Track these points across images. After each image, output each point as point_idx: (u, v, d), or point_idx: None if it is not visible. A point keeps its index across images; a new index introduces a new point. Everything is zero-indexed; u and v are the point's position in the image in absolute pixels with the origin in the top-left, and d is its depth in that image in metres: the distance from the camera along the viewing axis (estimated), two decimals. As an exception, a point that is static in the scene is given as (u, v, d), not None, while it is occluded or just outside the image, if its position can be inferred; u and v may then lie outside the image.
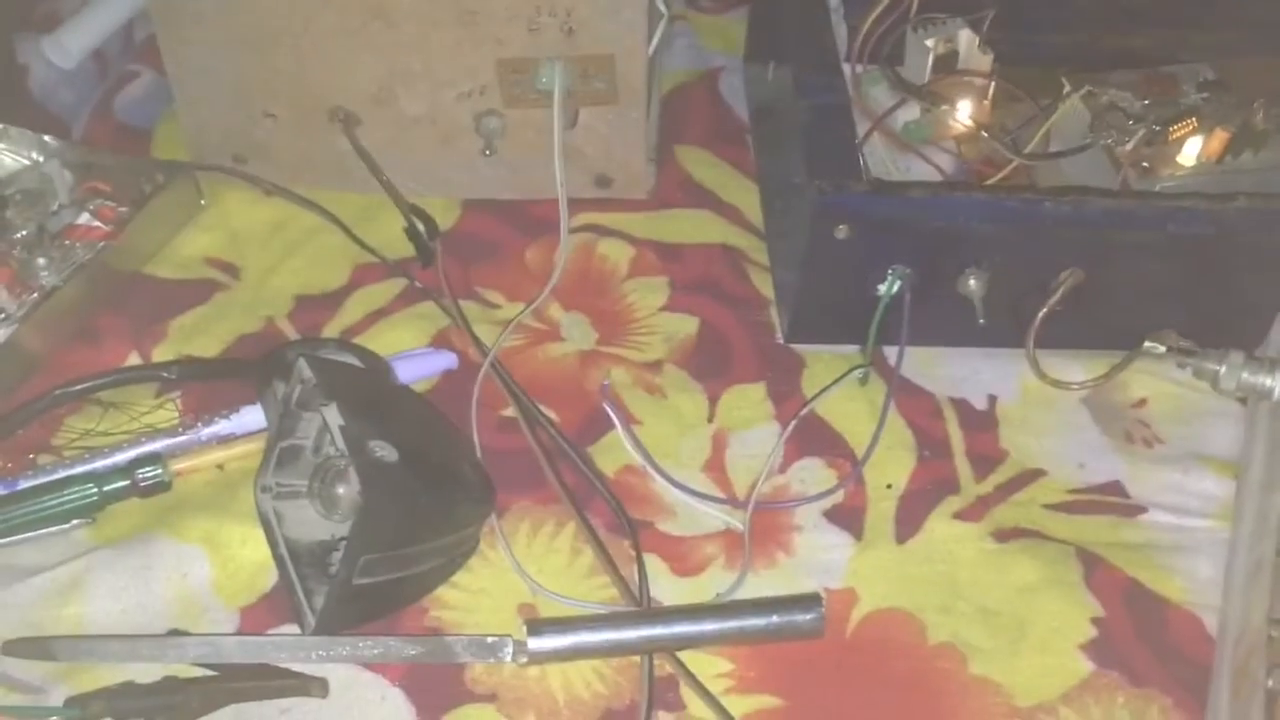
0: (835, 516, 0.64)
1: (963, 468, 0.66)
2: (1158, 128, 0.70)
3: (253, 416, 0.64)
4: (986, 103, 0.76)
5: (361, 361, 0.64)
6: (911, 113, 0.77)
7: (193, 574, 0.59)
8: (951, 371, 0.70)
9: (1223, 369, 0.65)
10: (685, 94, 0.87)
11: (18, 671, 0.55)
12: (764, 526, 0.63)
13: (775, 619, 0.57)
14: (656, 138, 0.81)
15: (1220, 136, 0.69)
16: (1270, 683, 0.54)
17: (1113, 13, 0.80)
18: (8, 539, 0.59)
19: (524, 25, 0.70)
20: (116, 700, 0.53)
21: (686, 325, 0.72)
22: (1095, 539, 0.63)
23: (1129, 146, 0.70)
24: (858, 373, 0.68)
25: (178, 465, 0.62)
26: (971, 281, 0.67)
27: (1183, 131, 0.70)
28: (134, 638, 0.56)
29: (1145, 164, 0.70)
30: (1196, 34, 0.79)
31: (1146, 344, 0.66)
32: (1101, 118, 0.71)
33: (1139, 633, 0.59)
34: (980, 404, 0.69)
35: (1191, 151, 0.69)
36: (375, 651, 0.55)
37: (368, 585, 0.55)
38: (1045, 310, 0.66)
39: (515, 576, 0.60)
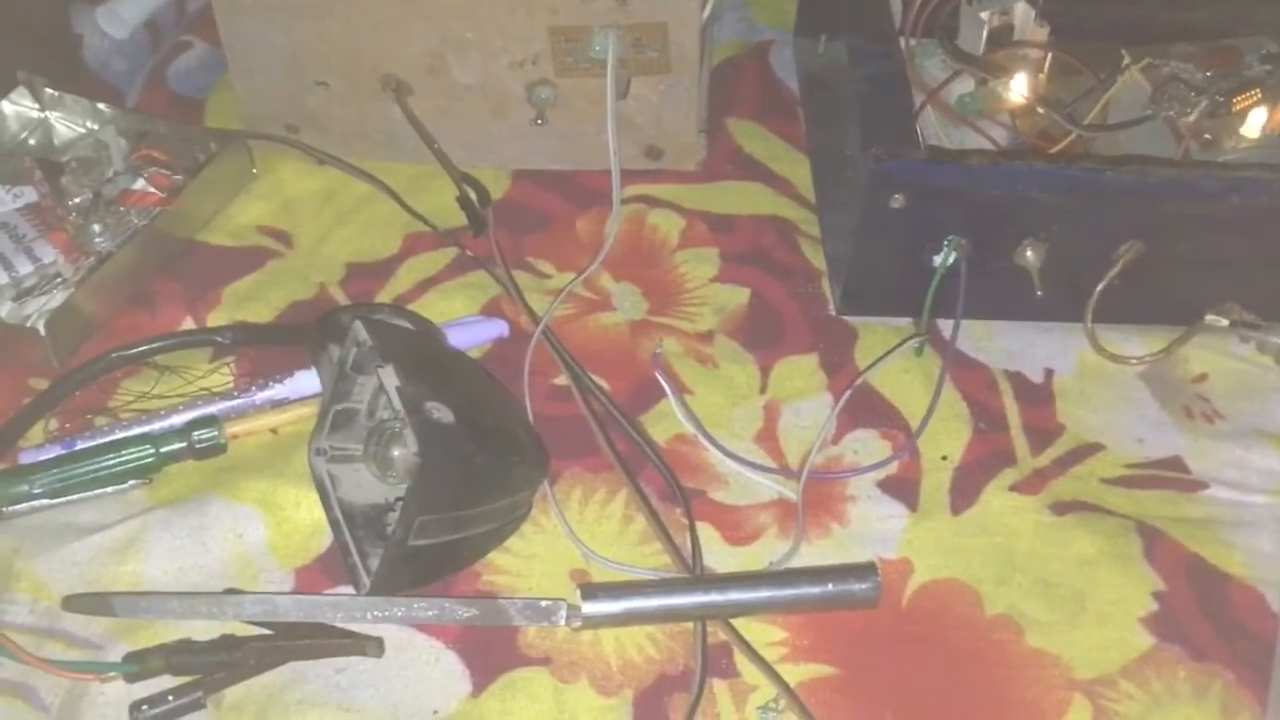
0: (889, 487, 0.63)
1: (1019, 441, 0.65)
2: (1221, 99, 0.69)
3: (306, 381, 0.64)
4: (1043, 75, 0.75)
5: (415, 327, 0.64)
6: (966, 85, 0.76)
7: (248, 535, 0.59)
8: (1007, 344, 0.69)
9: (1288, 342, 0.64)
10: (736, 67, 0.86)
11: (76, 627, 0.56)
12: (817, 496, 0.63)
13: (831, 587, 0.57)
14: (707, 110, 0.81)
15: (1286, 108, 0.68)
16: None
17: (1172, -15, 0.79)
18: (66, 498, 0.60)
19: (577, -7, 0.69)
20: (174, 656, 0.54)
21: (737, 296, 0.72)
22: (1155, 513, 0.62)
23: (1191, 118, 0.69)
24: (913, 343, 0.68)
25: (232, 428, 0.63)
26: (1029, 253, 0.66)
27: (1247, 103, 0.69)
28: (192, 595, 0.56)
29: (1208, 136, 0.69)
30: (1257, 8, 0.78)
31: (1209, 317, 0.66)
32: (1163, 89, 0.70)
33: (1200, 607, 0.59)
34: (1036, 377, 0.68)
35: (1256, 123, 0.68)
36: (430, 613, 0.55)
37: (423, 547, 0.55)
38: (1104, 283, 0.66)
39: (568, 542, 0.60)
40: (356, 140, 0.77)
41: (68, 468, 0.60)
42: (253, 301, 0.70)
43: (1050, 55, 0.74)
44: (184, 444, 0.61)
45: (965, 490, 0.63)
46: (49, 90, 0.77)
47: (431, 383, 0.56)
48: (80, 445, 0.61)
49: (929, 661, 0.57)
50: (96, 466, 0.60)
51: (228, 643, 0.54)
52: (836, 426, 0.66)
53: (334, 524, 0.59)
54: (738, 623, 0.57)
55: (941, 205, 0.64)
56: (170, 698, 0.53)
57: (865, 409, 0.66)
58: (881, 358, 0.68)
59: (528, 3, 0.70)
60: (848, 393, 0.66)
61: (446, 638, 0.57)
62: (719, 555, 0.60)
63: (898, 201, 0.64)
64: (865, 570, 0.57)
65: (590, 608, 0.55)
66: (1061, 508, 0.62)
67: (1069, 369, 0.69)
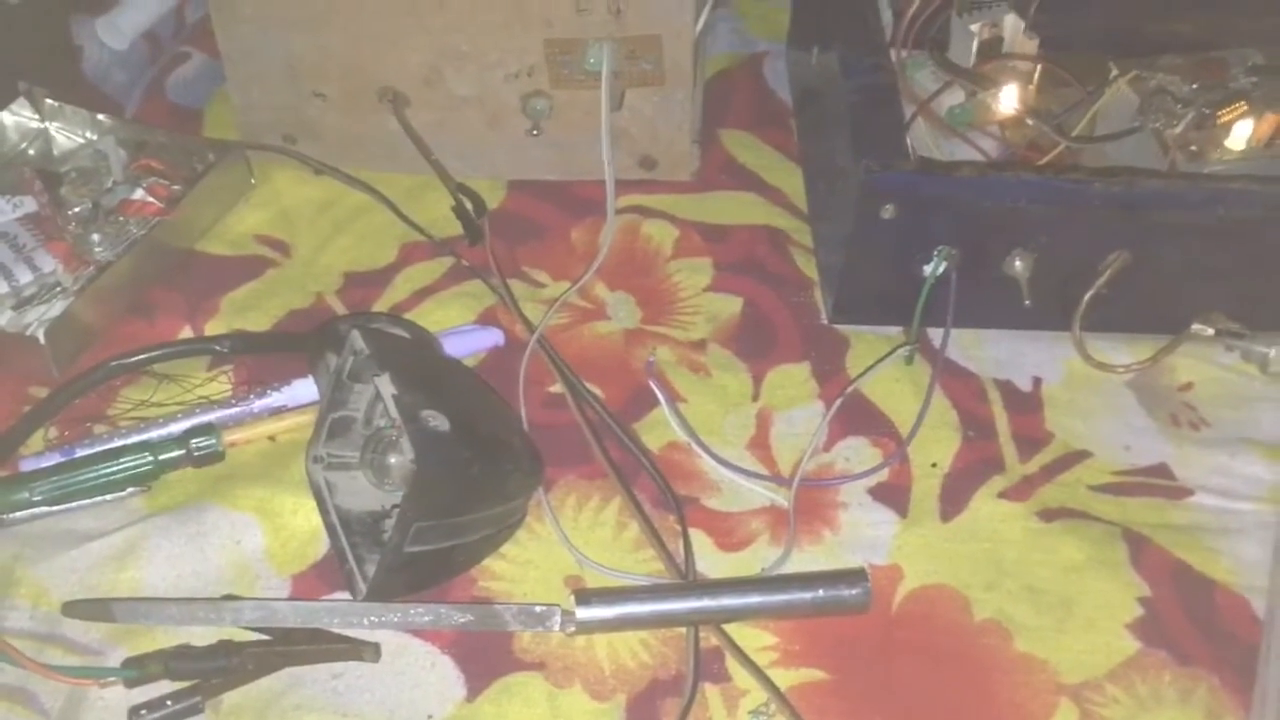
0: (880, 494, 0.64)
1: (1008, 448, 0.66)
2: (1207, 111, 0.70)
3: (304, 389, 0.65)
4: (1032, 87, 0.76)
5: (412, 335, 0.65)
6: (956, 97, 0.77)
7: (246, 542, 0.60)
8: (996, 353, 0.70)
9: (1272, 352, 0.65)
10: (729, 78, 0.87)
11: (76, 633, 0.56)
12: (809, 503, 0.63)
13: (821, 593, 0.57)
14: (701, 121, 0.82)
15: (1270, 120, 0.69)
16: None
17: (1159, -2, 0.80)
18: (66, 505, 0.60)
19: (572, 6, 0.70)
20: (173, 662, 0.54)
21: (730, 305, 0.73)
22: (1142, 520, 0.63)
23: (1178, 130, 0.70)
24: (903, 351, 0.69)
25: (230, 436, 0.63)
26: (1018, 263, 0.67)
27: (1232, 115, 0.70)
28: (190, 601, 0.57)
29: (1194, 147, 0.70)
30: (1243, 19, 0.79)
31: (1195, 326, 0.66)
32: (1149, 101, 0.71)
33: (1186, 613, 0.59)
34: (1025, 386, 0.69)
35: (1241, 135, 0.69)
36: (426, 618, 0.56)
37: (419, 553, 0.55)
38: (1092, 292, 0.67)
39: (562, 549, 0.61)
40: (353, 150, 0.78)
41: (67, 475, 0.60)
42: (250, 310, 0.71)
43: (1039, 67, 0.75)
44: (182, 452, 0.62)
45: (954, 497, 0.64)
46: (49, 101, 0.78)
47: (428, 391, 0.57)
48: (80, 453, 0.62)
49: (918, 666, 0.57)
50: (96, 474, 0.61)
51: (226, 648, 0.55)
52: (828, 434, 0.66)
53: (331, 530, 0.59)
54: (730, 628, 0.58)
55: (932, 215, 0.65)
56: (169, 702, 0.53)
57: (856, 417, 0.67)
58: (872, 366, 0.69)
59: (523, 16, 0.71)
60: (839, 401, 0.67)
61: (442, 643, 0.57)
62: (711, 561, 0.61)
63: (888, 212, 0.65)
64: (855, 576, 0.58)
65: (584, 613, 0.56)
66: (1049, 514, 0.63)
67: (1057, 377, 0.69)
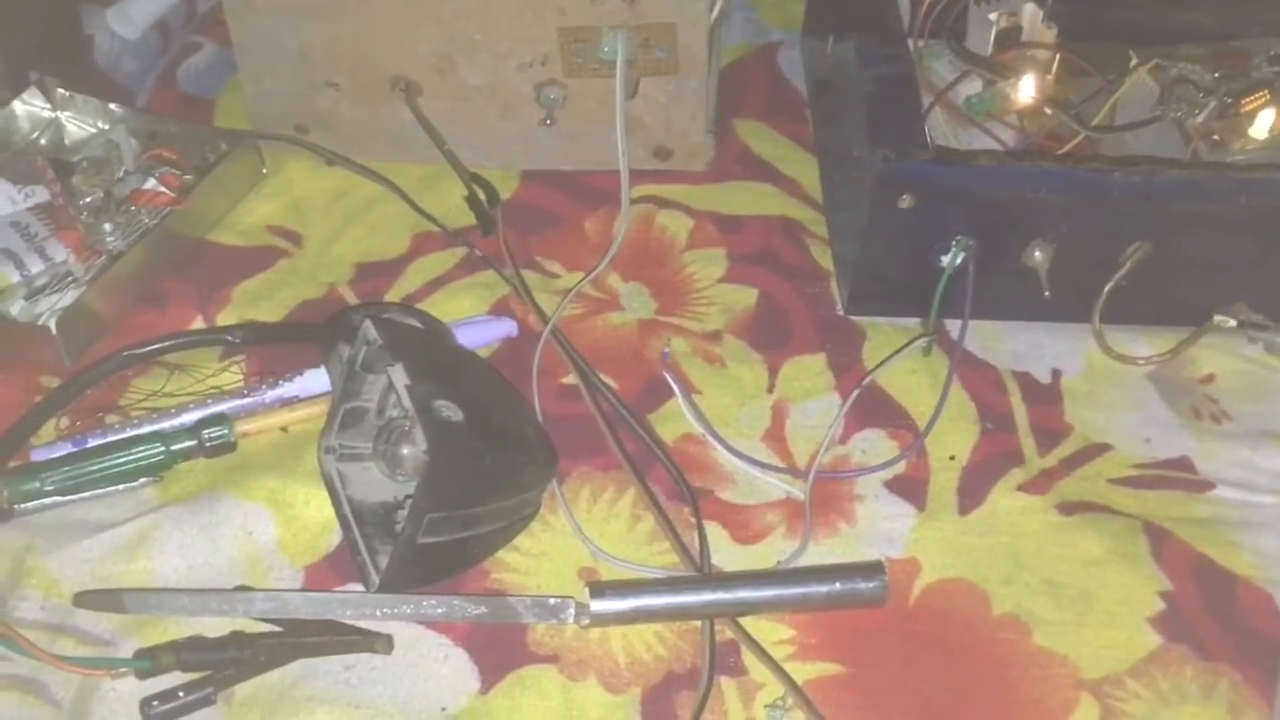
0: (897, 487, 0.63)
1: (1026, 441, 0.65)
2: (1229, 100, 0.69)
3: (316, 380, 0.65)
4: (1050, 76, 0.75)
5: (424, 326, 0.64)
6: (974, 86, 0.76)
7: (258, 532, 0.60)
8: (1014, 345, 0.70)
9: (1295, 343, 0.64)
10: (744, 68, 0.87)
11: (88, 624, 0.56)
12: (825, 496, 0.63)
13: (838, 586, 0.57)
14: (715, 110, 0.81)
15: (1293, 109, 0.68)
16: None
17: (1179, -13, 0.79)
18: (78, 495, 0.60)
19: (586, -6, 0.70)
20: (184, 653, 0.54)
21: (745, 296, 0.72)
22: (1162, 514, 0.62)
23: (1199, 119, 0.69)
24: (921, 343, 0.68)
25: (243, 427, 0.63)
26: (1037, 254, 0.66)
27: (1255, 104, 0.69)
28: (202, 591, 0.56)
29: (1216, 137, 0.69)
30: (1264, 9, 0.78)
31: (1217, 317, 0.66)
32: (1171, 91, 0.70)
33: (1208, 607, 0.59)
34: (1044, 378, 0.68)
35: (1264, 124, 0.68)
36: (439, 611, 0.56)
37: (432, 544, 0.55)
38: (1112, 284, 0.66)
39: (576, 541, 0.60)
40: (366, 140, 0.77)
41: (79, 465, 0.60)
42: (262, 300, 0.70)
43: (1058, 56, 0.74)
44: (194, 442, 0.61)
45: (973, 490, 0.63)
46: (60, 90, 0.77)
47: (441, 381, 0.56)
48: (91, 443, 0.62)
49: (936, 660, 0.57)
50: (108, 464, 0.60)
51: (238, 639, 0.55)
52: (844, 426, 0.66)
53: (343, 522, 0.59)
54: (745, 621, 0.57)
55: (949, 206, 0.65)
56: (181, 694, 0.53)
57: (873, 409, 0.67)
58: (889, 358, 0.68)
59: (536, 4, 0.70)
60: (855, 392, 0.66)
61: (455, 635, 0.57)
62: (727, 554, 0.61)
63: (905, 202, 0.64)
64: (872, 569, 0.57)
65: (598, 606, 0.55)
66: (1069, 508, 0.62)
67: (1076, 369, 0.69)
